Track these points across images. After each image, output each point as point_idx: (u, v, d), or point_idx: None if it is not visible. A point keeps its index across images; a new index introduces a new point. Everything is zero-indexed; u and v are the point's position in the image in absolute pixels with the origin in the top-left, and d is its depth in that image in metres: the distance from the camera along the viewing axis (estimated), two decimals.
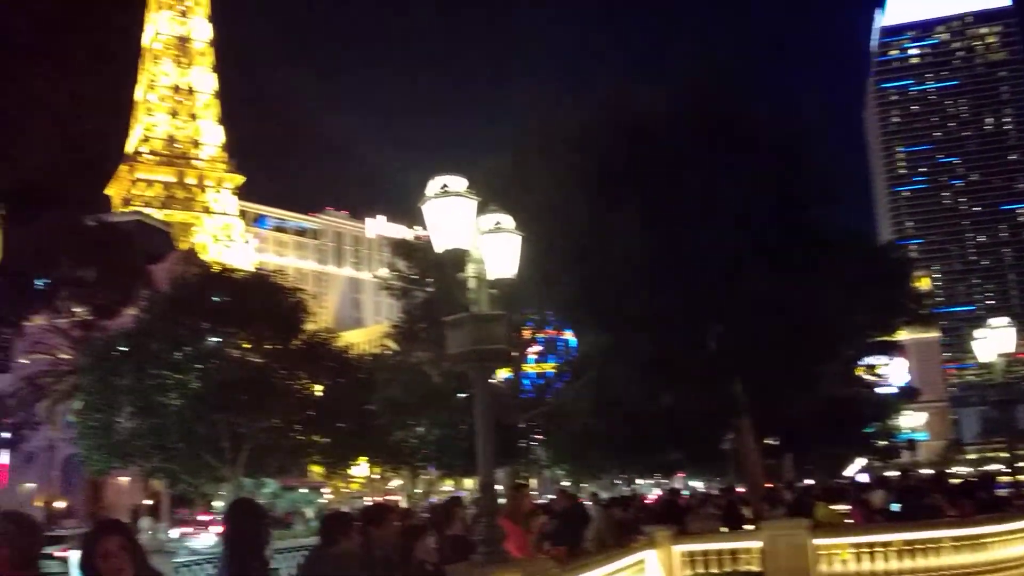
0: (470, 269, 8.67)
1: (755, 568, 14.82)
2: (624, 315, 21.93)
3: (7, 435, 40.62)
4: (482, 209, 9.10)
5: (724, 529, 18.44)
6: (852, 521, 19.30)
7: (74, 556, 25.54)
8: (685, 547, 15.17)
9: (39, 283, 22.67)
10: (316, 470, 44.66)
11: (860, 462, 61.63)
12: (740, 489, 29.85)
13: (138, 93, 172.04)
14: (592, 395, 28.83)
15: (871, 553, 14.42)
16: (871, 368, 56.80)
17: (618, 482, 53.51)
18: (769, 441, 36.30)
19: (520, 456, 33.82)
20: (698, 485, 77.29)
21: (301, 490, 79.76)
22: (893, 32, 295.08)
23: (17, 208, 18.07)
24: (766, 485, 27.84)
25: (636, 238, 20.19)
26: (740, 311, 22.72)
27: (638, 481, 64.73)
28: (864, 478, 45.40)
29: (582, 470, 44.64)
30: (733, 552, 15.10)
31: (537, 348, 38.86)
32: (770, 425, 31.34)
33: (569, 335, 36.94)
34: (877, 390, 58.57)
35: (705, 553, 15.09)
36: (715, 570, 14.97)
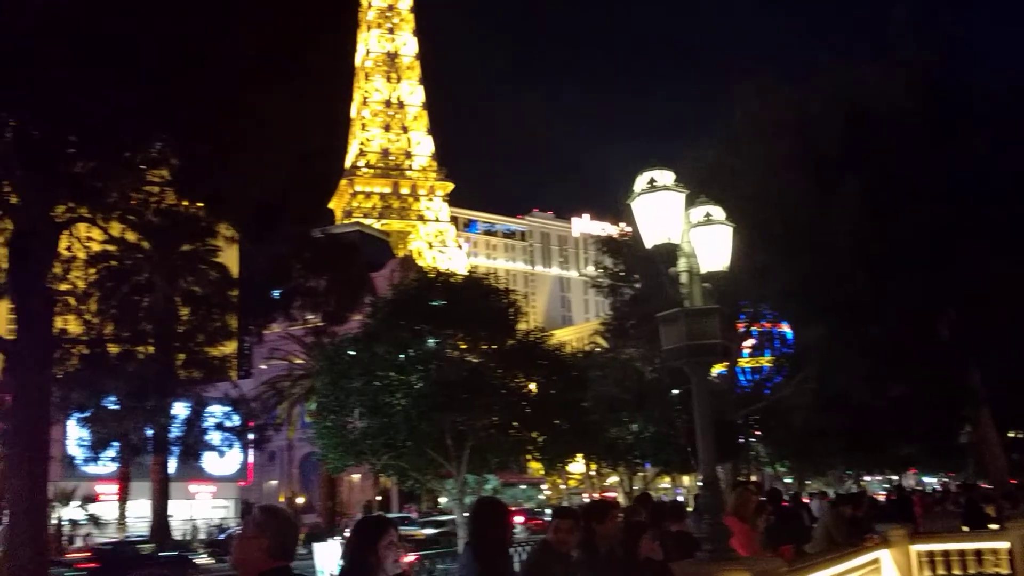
0: (681, 263, 8.57)
1: (1003, 571, 13.77)
2: (846, 304, 20.99)
3: (252, 436, 44.02)
4: (691, 201, 8.98)
5: (965, 528, 17.26)
6: None
7: (322, 548, 27.26)
8: (924, 547, 14.31)
9: (275, 294, 24.41)
10: (535, 467, 45.50)
11: None
12: (984, 485, 27.83)
13: (353, 110, 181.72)
14: (813, 389, 27.79)
15: None
16: None
17: (845, 479, 51.14)
18: (1014, 434, 33.62)
19: (739, 453, 33.00)
20: (932, 481, 72.61)
21: (521, 486, 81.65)
22: None
23: (252, 226, 19.53)
24: (1011, 481, 25.84)
25: (856, 222, 19.28)
26: (975, 294, 21.21)
27: (866, 478, 61.54)
28: None
29: (805, 467, 42.99)
30: (977, 553, 14.09)
31: (751, 342, 37.84)
32: (1015, 416, 29.09)
33: (785, 327, 35.74)
34: None
35: (946, 554, 14.17)
36: (958, 572, 14.03)
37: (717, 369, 30.68)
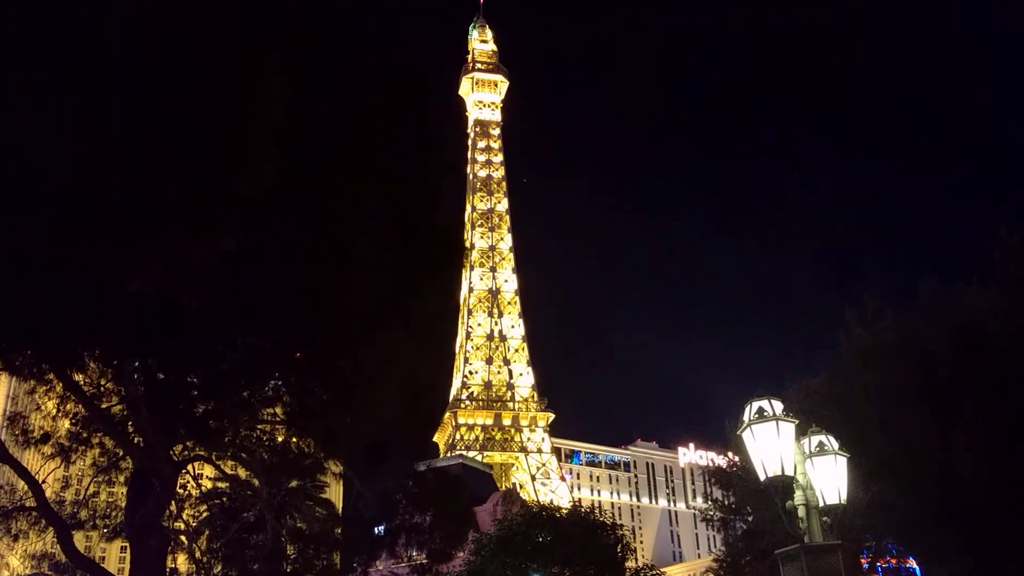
0: (798, 496, 8.34)
1: None
2: (984, 535, 19.64)
3: None
4: (802, 430, 8.86)
5: None
6: None
7: None
8: None
9: (379, 530, 24.35)
10: None
11: None
12: None
13: (456, 344, 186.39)
14: None
15: None
16: None
17: None
18: None
19: None
20: None
21: None
22: None
23: (361, 462, 19.82)
24: None
25: (988, 449, 18.38)
26: None
27: None
28: None
29: None
30: None
31: None
32: None
33: (913, 563, 33.51)
34: None
35: None
36: None
37: None
